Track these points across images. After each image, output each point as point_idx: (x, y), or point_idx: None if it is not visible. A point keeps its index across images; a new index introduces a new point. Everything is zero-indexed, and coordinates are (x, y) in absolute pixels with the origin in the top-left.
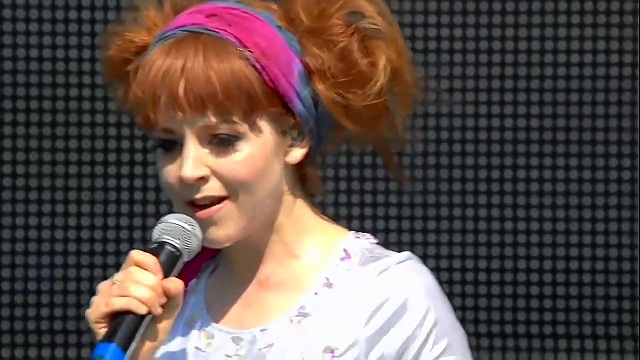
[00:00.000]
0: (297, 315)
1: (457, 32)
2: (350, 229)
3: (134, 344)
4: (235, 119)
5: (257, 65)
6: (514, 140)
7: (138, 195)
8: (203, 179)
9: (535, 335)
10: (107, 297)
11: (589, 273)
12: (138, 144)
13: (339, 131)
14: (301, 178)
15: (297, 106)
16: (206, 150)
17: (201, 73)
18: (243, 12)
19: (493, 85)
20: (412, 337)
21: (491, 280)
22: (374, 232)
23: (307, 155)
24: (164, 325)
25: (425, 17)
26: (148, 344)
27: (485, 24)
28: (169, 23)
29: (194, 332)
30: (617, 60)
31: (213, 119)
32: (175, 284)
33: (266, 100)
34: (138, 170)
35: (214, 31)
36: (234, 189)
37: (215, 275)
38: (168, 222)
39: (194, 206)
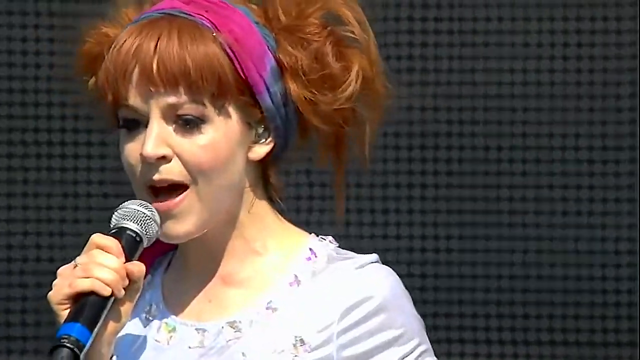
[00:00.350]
0: (265, 309)
1: (456, 38)
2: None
3: (98, 325)
4: (204, 100)
5: (230, 52)
6: (510, 147)
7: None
8: (164, 159)
9: (532, 343)
10: (71, 279)
11: (587, 280)
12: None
13: (304, 136)
14: (264, 179)
15: (266, 100)
16: (170, 130)
17: (175, 51)
18: (221, 2)
19: (489, 92)
20: (387, 341)
21: (489, 288)
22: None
23: (270, 154)
24: (125, 309)
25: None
26: (110, 327)
27: (482, 30)
28: (146, 9)
29: (154, 325)
30: (615, 65)
31: (182, 97)
32: (138, 267)
33: (236, 87)
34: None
35: (190, 15)
36: (194, 176)
37: (171, 271)
38: (127, 208)
39: (154, 196)
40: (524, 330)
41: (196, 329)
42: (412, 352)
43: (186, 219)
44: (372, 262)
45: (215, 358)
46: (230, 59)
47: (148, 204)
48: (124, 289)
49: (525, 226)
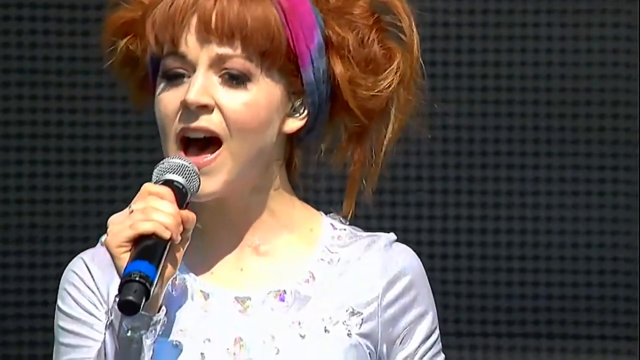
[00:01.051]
0: (305, 280)
1: (452, 31)
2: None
3: (161, 266)
4: (253, 57)
5: (284, 19)
6: (508, 140)
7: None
8: (206, 108)
9: (530, 335)
10: (131, 222)
11: (585, 274)
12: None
13: (332, 120)
14: (288, 157)
15: (309, 73)
16: (216, 82)
17: (236, 7)
18: None
19: (488, 85)
20: (415, 317)
21: (486, 281)
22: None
23: (299, 131)
24: (179, 256)
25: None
26: (168, 271)
27: (480, 23)
28: None
29: (186, 292)
30: (612, 59)
31: (234, 50)
32: (191, 215)
33: (285, 53)
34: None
35: None
36: (231, 131)
37: (192, 242)
38: (171, 162)
39: (186, 150)
40: (521, 323)
41: (235, 297)
42: (433, 330)
43: (217, 176)
44: (396, 240)
45: (266, 325)
46: (284, 25)
47: (189, 160)
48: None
49: (524, 219)
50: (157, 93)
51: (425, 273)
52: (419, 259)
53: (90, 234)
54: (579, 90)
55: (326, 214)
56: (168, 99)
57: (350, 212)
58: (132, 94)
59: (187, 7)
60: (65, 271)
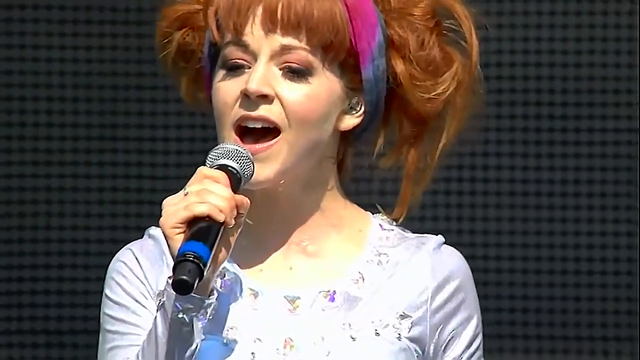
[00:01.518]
0: (354, 281)
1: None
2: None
3: (215, 248)
4: (316, 50)
5: (347, 15)
6: (511, 141)
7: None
8: (266, 98)
9: (532, 337)
10: (186, 203)
11: (586, 274)
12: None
13: (385, 122)
14: (340, 156)
15: (368, 70)
16: (277, 73)
17: None
18: None
19: (490, 87)
20: (461, 321)
21: (488, 281)
22: None
23: (354, 130)
24: (232, 240)
25: None
26: (221, 255)
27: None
28: None
29: (234, 288)
30: (614, 61)
31: (298, 41)
32: (245, 200)
33: (346, 46)
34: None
35: None
36: (290, 122)
37: (240, 239)
38: (225, 147)
39: (242, 138)
40: (523, 324)
41: (285, 296)
42: (477, 334)
43: (271, 164)
44: (445, 243)
45: (316, 326)
46: (347, 21)
47: (244, 146)
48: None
49: (526, 220)
50: (215, 81)
51: (472, 276)
52: (467, 262)
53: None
54: (581, 92)
55: (374, 214)
56: (228, 87)
57: (402, 214)
58: (184, 88)
59: None
60: (112, 261)
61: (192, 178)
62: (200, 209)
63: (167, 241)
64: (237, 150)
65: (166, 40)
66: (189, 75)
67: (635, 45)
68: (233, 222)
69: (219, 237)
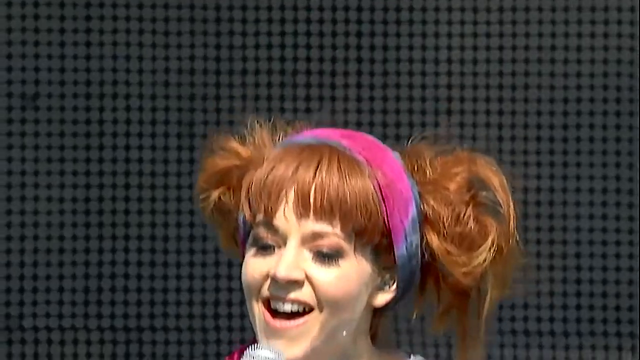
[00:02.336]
0: None
1: (456, 28)
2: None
3: None
4: (349, 234)
5: (380, 195)
6: (511, 151)
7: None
8: (296, 283)
9: (533, 333)
10: None
11: (587, 270)
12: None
13: (422, 293)
14: (372, 327)
15: (402, 249)
16: (307, 256)
17: (335, 181)
18: (376, 142)
19: (492, 96)
20: None
21: None
22: None
23: (387, 304)
24: None
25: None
26: None
27: (484, 21)
28: (294, 135)
29: None
30: (615, 70)
31: (331, 228)
32: None
33: (379, 228)
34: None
35: (348, 149)
36: (321, 303)
37: None
38: (259, 356)
39: (269, 313)
40: (524, 320)
41: None
42: None
43: (300, 342)
44: None
45: None
46: (380, 201)
47: (278, 350)
48: None
49: (526, 217)
50: (247, 256)
51: None
52: None
53: None
54: (582, 100)
55: (410, 356)
56: (256, 266)
57: None
58: (222, 240)
59: (285, 178)
60: None
61: None
62: None
63: None
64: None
65: (204, 196)
66: (226, 230)
67: (636, 44)
68: None
69: None
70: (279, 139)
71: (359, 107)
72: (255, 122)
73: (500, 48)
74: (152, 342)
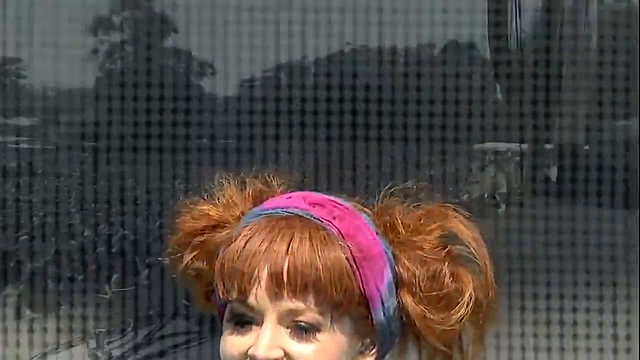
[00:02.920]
0: None
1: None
2: None
3: None
4: (326, 309)
5: (354, 265)
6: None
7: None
8: None
9: (530, 335)
10: None
11: (584, 272)
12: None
13: (403, 350)
14: None
15: (379, 315)
16: (284, 333)
17: (308, 257)
18: (347, 208)
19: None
20: None
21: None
22: None
23: None
24: None
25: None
26: None
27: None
28: (266, 202)
29: None
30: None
31: (306, 304)
32: None
33: (356, 299)
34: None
35: (320, 220)
36: None
37: None
38: None
39: None
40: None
41: None
42: None
43: None
44: None
45: None
46: (353, 271)
47: None
48: None
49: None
50: (224, 332)
51: None
52: None
53: None
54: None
55: None
56: (233, 344)
57: None
58: (196, 298)
59: (257, 256)
60: None
61: None
62: None
63: None
64: None
65: (176, 258)
66: (199, 290)
67: (636, 43)
68: None
69: None
70: (248, 195)
71: None
72: (224, 179)
73: None
74: None
